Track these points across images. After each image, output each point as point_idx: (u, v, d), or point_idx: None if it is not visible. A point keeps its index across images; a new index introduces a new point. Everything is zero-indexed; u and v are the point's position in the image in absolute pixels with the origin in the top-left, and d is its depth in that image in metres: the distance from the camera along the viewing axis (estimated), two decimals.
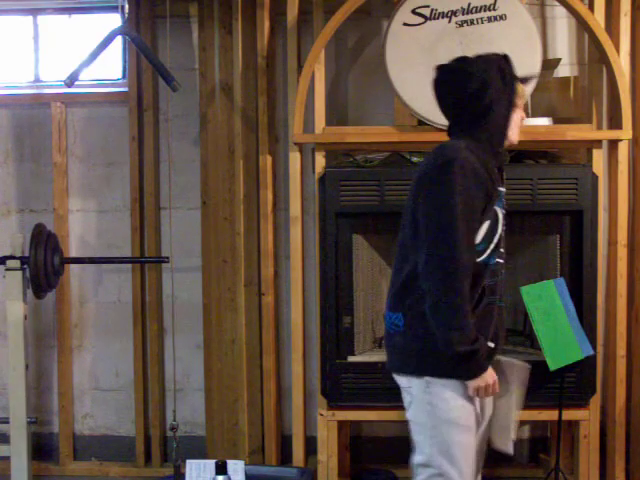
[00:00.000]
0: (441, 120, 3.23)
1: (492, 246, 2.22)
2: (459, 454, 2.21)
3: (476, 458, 2.30)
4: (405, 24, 3.25)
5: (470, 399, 2.21)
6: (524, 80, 2.36)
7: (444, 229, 2.10)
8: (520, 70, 3.23)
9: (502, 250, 2.29)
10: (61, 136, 3.93)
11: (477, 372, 2.15)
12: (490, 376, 2.17)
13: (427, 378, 2.21)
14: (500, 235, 2.25)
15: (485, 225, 2.19)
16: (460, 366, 2.13)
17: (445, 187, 2.12)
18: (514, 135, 2.33)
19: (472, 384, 2.15)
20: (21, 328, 3.45)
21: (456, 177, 2.11)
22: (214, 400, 3.83)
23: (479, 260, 2.17)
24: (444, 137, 3.27)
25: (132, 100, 3.87)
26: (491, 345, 2.21)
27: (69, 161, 3.97)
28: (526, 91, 2.45)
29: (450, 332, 2.09)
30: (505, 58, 2.34)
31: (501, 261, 2.29)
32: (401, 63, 3.26)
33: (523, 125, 2.37)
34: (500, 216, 2.25)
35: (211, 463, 3.09)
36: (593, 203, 3.26)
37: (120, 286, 4.00)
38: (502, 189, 2.29)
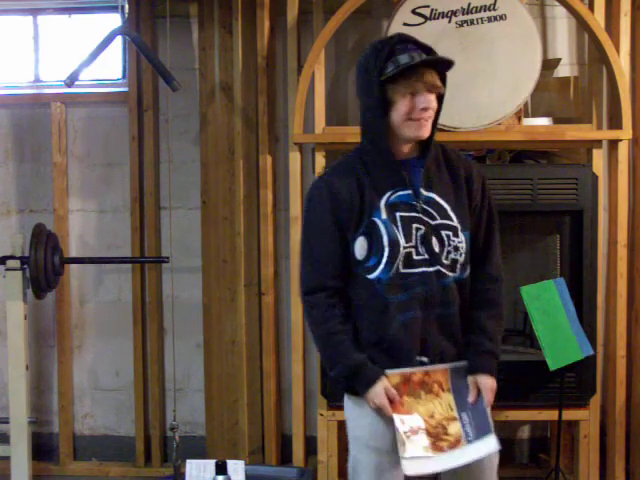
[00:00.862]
0: (441, 120, 3.25)
1: (384, 259, 2.03)
2: (361, 474, 2.13)
3: None
4: (405, 24, 3.25)
5: (381, 418, 2.06)
6: (417, 65, 2.00)
7: (300, 263, 2.16)
8: (516, 70, 3.24)
9: (415, 259, 2.04)
10: (61, 136, 3.93)
11: (362, 392, 2.06)
12: (375, 396, 2.03)
13: (345, 395, 2.19)
14: (398, 245, 2.02)
15: (360, 241, 2.05)
16: (348, 383, 2.11)
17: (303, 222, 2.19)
18: (408, 128, 2.03)
19: (368, 402, 2.07)
20: (21, 328, 3.45)
21: (305, 209, 2.15)
22: (214, 400, 3.83)
23: (371, 276, 2.05)
24: (444, 137, 3.29)
25: (132, 100, 3.87)
26: (423, 359, 2.07)
27: (69, 161, 3.97)
28: (424, 74, 2.00)
29: (323, 358, 2.18)
30: (388, 40, 2.04)
31: (415, 271, 2.04)
32: None
33: (422, 113, 2.01)
34: (382, 228, 2.03)
35: (211, 463, 3.09)
36: (593, 203, 3.26)
37: (120, 286, 4.01)
38: (401, 191, 2.06)
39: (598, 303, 3.34)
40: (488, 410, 2.05)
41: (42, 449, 3.99)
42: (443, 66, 2.08)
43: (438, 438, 1.99)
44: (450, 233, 2.06)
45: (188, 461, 3.03)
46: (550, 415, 3.28)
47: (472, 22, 3.24)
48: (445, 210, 2.08)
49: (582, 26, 3.45)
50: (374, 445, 2.10)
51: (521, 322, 3.51)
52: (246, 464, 3.10)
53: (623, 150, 3.43)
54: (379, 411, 2.05)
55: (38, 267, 3.37)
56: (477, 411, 2.04)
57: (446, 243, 2.06)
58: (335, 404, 3.36)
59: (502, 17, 3.23)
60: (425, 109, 2.01)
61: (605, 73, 3.43)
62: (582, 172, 3.27)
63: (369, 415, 2.08)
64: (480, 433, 2.01)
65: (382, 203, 2.05)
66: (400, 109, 2.02)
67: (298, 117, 3.35)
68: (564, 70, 3.70)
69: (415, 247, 2.05)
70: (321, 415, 3.39)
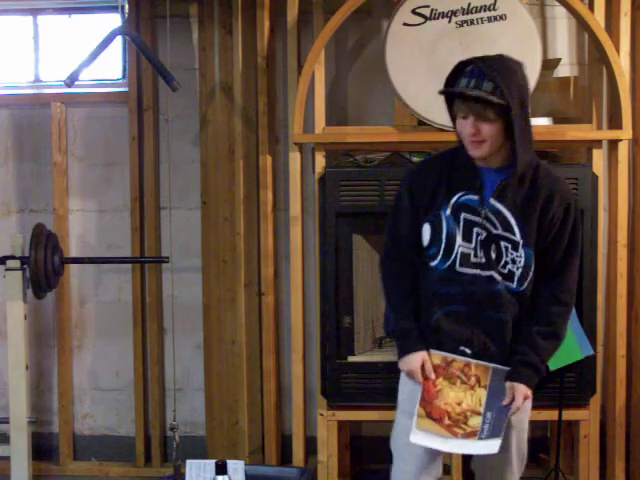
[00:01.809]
0: (441, 120, 3.25)
1: (441, 251, 2.22)
2: (396, 434, 2.36)
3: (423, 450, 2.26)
4: (405, 24, 3.25)
5: (411, 384, 2.27)
6: (450, 94, 2.19)
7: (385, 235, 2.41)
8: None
9: (473, 261, 2.21)
10: (61, 136, 3.93)
11: (399, 355, 2.28)
12: (409, 362, 2.24)
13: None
14: (455, 242, 2.20)
15: (426, 227, 2.25)
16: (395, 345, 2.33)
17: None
18: (465, 145, 2.20)
19: (400, 365, 2.29)
20: (21, 328, 3.45)
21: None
22: (214, 400, 3.83)
23: (431, 264, 2.25)
24: (444, 137, 3.30)
25: (132, 100, 3.87)
26: (467, 350, 2.22)
27: (69, 161, 3.97)
28: (462, 105, 2.15)
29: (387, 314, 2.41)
30: (457, 68, 2.22)
31: (469, 271, 2.21)
32: (401, 63, 3.26)
33: (470, 138, 2.16)
34: (444, 222, 2.21)
35: (211, 463, 3.09)
36: (593, 203, 3.26)
37: (120, 286, 4.01)
38: (470, 196, 2.21)
39: (598, 303, 3.33)
40: (508, 417, 2.15)
41: (42, 449, 3.99)
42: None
43: (456, 424, 2.12)
44: (509, 245, 2.20)
45: (188, 461, 3.03)
46: (550, 415, 3.28)
47: (472, 22, 3.24)
48: (509, 223, 2.20)
49: (582, 26, 3.45)
50: (409, 410, 2.24)
51: None
52: (246, 464, 3.11)
53: (623, 150, 3.43)
54: (411, 377, 2.23)
55: (38, 267, 3.37)
56: (500, 415, 2.13)
57: (504, 253, 2.19)
58: (335, 404, 3.36)
59: (502, 17, 3.23)
60: (470, 133, 2.14)
61: (605, 73, 3.42)
62: (582, 172, 3.27)
63: (409, 382, 2.28)
64: (491, 434, 2.11)
65: (452, 201, 2.21)
66: (460, 124, 2.19)
67: (298, 117, 3.35)
68: (564, 70, 3.70)
69: (474, 249, 2.20)
70: (321, 415, 3.39)
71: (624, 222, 3.44)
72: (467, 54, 3.20)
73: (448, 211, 2.20)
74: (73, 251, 3.98)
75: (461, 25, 3.24)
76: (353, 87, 3.85)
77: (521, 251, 2.18)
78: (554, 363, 3.00)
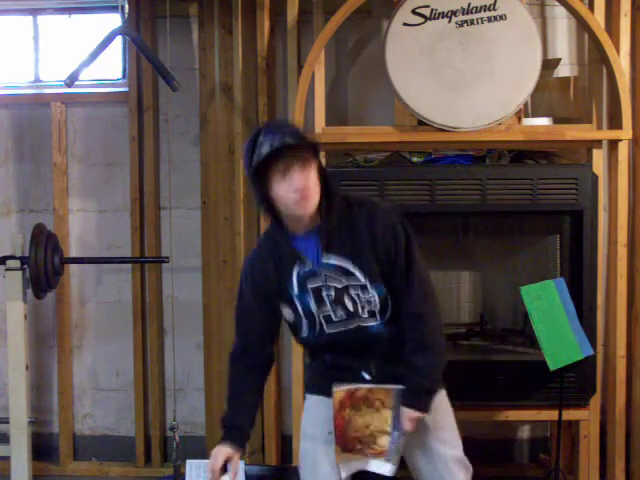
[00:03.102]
0: (441, 120, 3.25)
1: (305, 325, 2.26)
2: (301, 461, 2.37)
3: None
4: (405, 24, 3.25)
5: (311, 409, 2.36)
6: (269, 154, 2.06)
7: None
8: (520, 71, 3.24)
9: (335, 320, 2.23)
10: (61, 136, 3.93)
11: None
12: (214, 455, 2.28)
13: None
14: (312, 313, 2.23)
15: (286, 310, 2.28)
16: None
17: None
18: (288, 208, 2.14)
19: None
20: (21, 328, 3.45)
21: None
22: (214, 400, 3.83)
23: (303, 336, 2.30)
24: (444, 137, 3.30)
25: (132, 100, 3.87)
26: (366, 376, 2.25)
27: (69, 161, 3.97)
28: (279, 164, 2.08)
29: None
30: (261, 128, 2.14)
31: (337, 330, 2.23)
32: (401, 63, 3.26)
33: (298, 193, 2.08)
34: (296, 301, 2.23)
35: None
36: (593, 203, 3.26)
37: (120, 286, 4.00)
38: (304, 266, 2.21)
39: (598, 303, 3.33)
40: (402, 441, 2.22)
41: (42, 449, 3.99)
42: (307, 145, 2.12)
43: (367, 445, 2.23)
44: (359, 292, 2.20)
45: (188, 461, 3.03)
46: (550, 415, 3.28)
47: (472, 22, 3.24)
48: (347, 270, 2.19)
49: (582, 26, 3.44)
50: (311, 433, 2.32)
51: (521, 322, 3.51)
52: (246, 464, 3.11)
53: (623, 150, 3.43)
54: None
55: (38, 267, 3.38)
56: (399, 437, 2.22)
57: (357, 301, 2.21)
58: None
59: (502, 17, 3.23)
60: (297, 189, 2.09)
61: (605, 73, 3.42)
62: (582, 172, 3.26)
63: (307, 409, 2.38)
64: (391, 457, 2.22)
65: (293, 279, 2.22)
66: (282, 188, 2.10)
67: (298, 117, 3.35)
68: (564, 70, 3.70)
69: (333, 310, 2.22)
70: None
71: (624, 222, 3.44)
72: (467, 54, 3.23)
73: (296, 290, 2.22)
74: (73, 251, 3.98)
75: (461, 25, 3.24)
76: (353, 87, 3.84)
77: (371, 291, 2.20)
78: (554, 363, 3.00)
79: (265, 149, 2.06)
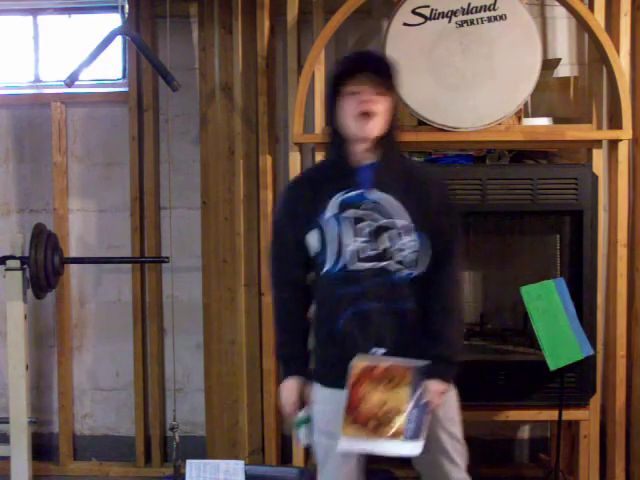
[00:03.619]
0: (441, 120, 3.25)
1: (331, 254, 2.20)
2: (320, 458, 2.32)
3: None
4: (405, 24, 3.25)
5: (325, 403, 2.26)
6: (349, 69, 2.17)
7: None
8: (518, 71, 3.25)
9: (366, 254, 2.18)
10: (61, 136, 3.93)
11: (282, 379, 2.33)
12: (282, 391, 2.29)
13: None
14: (343, 241, 2.18)
15: (312, 235, 2.23)
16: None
17: None
18: (351, 127, 2.18)
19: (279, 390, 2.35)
20: (21, 328, 3.45)
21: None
22: (214, 400, 3.83)
23: (323, 271, 2.22)
24: (444, 137, 3.30)
25: (132, 100, 3.87)
26: (380, 351, 2.19)
27: (69, 161, 3.97)
28: (359, 80, 2.15)
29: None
30: (350, 56, 2.30)
31: (364, 266, 2.18)
32: (401, 63, 3.22)
33: (362, 108, 2.15)
34: (329, 225, 2.19)
35: (211, 463, 3.10)
36: (593, 203, 3.26)
37: (120, 286, 4.01)
38: (351, 192, 2.20)
39: (598, 303, 3.33)
40: (428, 417, 2.14)
41: (42, 449, 3.99)
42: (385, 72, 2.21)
43: (382, 425, 2.13)
44: (401, 231, 2.18)
45: (188, 461, 3.04)
46: (550, 415, 3.28)
47: (472, 22, 3.24)
48: (396, 210, 2.19)
49: (582, 26, 3.44)
50: (327, 430, 2.23)
51: (521, 322, 3.51)
52: (246, 464, 3.12)
53: (623, 150, 3.43)
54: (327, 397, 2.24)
55: (38, 267, 3.38)
56: (421, 414, 2.14)
57: (396, 240, 2.18)
58: None
59: (502, 17, 3.23)
60: (365, 102, 2.14)
61: (605, 73, 3.42)
62: (582, 172, 3.26)
63: (319, 402, 2.27)
64: (414, 435, 2.13)
65: (332, 203, 2.20)
66: (348, 102, 2.16)
67: (298, 117, 3.35)
68: (564, 70, 3.70)
69: (365, 243, 2.18)
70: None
71: (624, 222, 3.44)
72: (467, 54, 3.23)
73: (331, 213, 2.20)
74: (73, 251, 3.98)
75: (461, 25, 3.24)
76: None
77: (413, 235, 2.19)
78: (554, 363, 3.00)
79: (345, 65, 2.18)
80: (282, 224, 2.34)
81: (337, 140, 2.23)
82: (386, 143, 2.22)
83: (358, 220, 2.18)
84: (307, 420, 2.30)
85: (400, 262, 2.18)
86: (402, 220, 2.18)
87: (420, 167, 2.30)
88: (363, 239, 2.18)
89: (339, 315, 2.20)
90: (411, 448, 2.13)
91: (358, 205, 2.19)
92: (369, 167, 2.22)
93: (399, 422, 2.13)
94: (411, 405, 2.13)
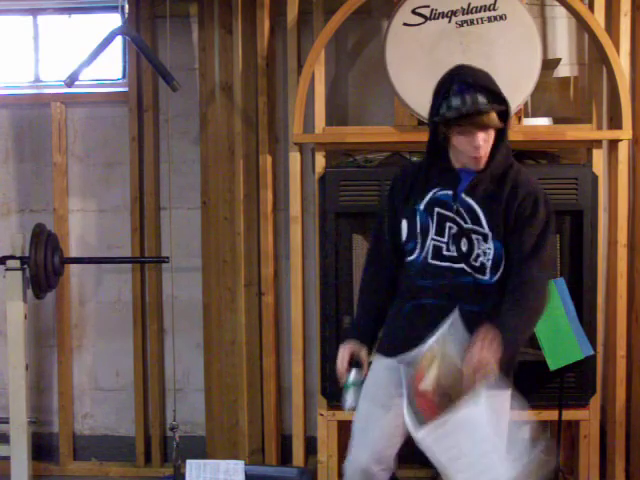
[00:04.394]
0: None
1: (416, 244, 2.30)
2: (356, 418, 2.41)
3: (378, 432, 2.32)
4: (405, 24, 3.25)
5: (376, 371, 2.39)
6: (457, 118, 2.19)
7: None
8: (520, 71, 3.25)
9: (445, 254, 2.28)
10: (61, 136, 3.93)
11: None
12: (340, 350, 2.39)
13: None
14: (427, 235, 2.28)
15: (404, 223, 2.34)
16: None
17: None
18: (460, 158, 2.27)
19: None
20: (21, 328, 3.45)
21: None
22: (214, 400, 3.83)
23: (408, 259, 2.34)
24: None
25: (132, 100, 3.87)
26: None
27: (69, 161, 3.97)
28: (463, 123, 2.19)
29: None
30: (447, 77, 2.26)
31: (441, 264, 2.28)
32: (401, 63, 3.26)
33: (475, 153, 2.22)
34: (418, 216, 2.30)
35: (211, 463, 3.10)
36: (593, 203, 3.26)
37: (120, 286, 4.00)
38: (445, 191, 2.29)
39: (598, 303, 3.34)
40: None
41: (42, 449, 3.99)
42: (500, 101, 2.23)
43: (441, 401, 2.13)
44: (480, 237, 2.26)
45: (188, 461, 3.04)
46: (550, 415, 3.28)
47: (472, 22, 3.24)
48: (478, 217, 2.26)
49: (582, 26, 3.45)
50: (372, 395, 2.34)
51: None
52: (246, 464, 3.12)
53: (623, 150, 3.43)
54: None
55: (38, 267, 3.37)
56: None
57: (475, 246, 2.25)
58: (335, 404, 3.36)
59: (502, 17, 3.23)
60: (476, 148, 2.21)
61: (605, 73, 3.42)
62: (582, 172, 3.27)
63: (374, 369, 2.40)
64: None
65: (427, 197, 2.30)
66: (454, 144, 2.24)
67: (298, 117, 3.35)
68: (564, 70, 3.70)
69: (446, 243, 2.28)
70: (321, 415, 3.39)
71: (624, 222, 3.44)
72: (467, 54, 3.23)
73: (422, 206, 2.30)
74: (73, 251, 3.98)
75: (461, 25, 3.24)
76: (353, 87, 3.84)
77: (490, 243, 2.25)
78: (554, 363, 3.00)
79: (455, 107, 2.16)
80: (384, 208, 2.46)
81: (442, 147, 2.30)
82: (493, 155, 2.27)
83: (445, 219, 2.28)
84: (356, 383, 2.36)
85: (476, 267, 2.26)
86: (481, 227, 2.26)
87: (516, 176, 2.31)
88: (445, 239, 2.28)
89: (408, 301, 2.32)
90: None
91: (448, 205, 2.28)
92: (470, 173, 2.28)
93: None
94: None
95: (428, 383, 2.11)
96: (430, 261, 2.28)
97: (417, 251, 2.31)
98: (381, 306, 2.42)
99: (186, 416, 3.96)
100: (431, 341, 2.14)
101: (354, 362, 2.37)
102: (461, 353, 2.11)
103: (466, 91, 2.17)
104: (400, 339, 2.30)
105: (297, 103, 3.35)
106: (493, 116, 2.20)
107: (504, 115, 2.24)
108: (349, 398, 2.37)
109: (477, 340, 2.10)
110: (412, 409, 2.16)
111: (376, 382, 2.36)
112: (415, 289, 2.31)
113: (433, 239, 2.28)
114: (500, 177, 2.29)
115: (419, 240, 2.30)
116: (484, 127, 2.19)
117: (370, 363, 2.42)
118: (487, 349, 2.08)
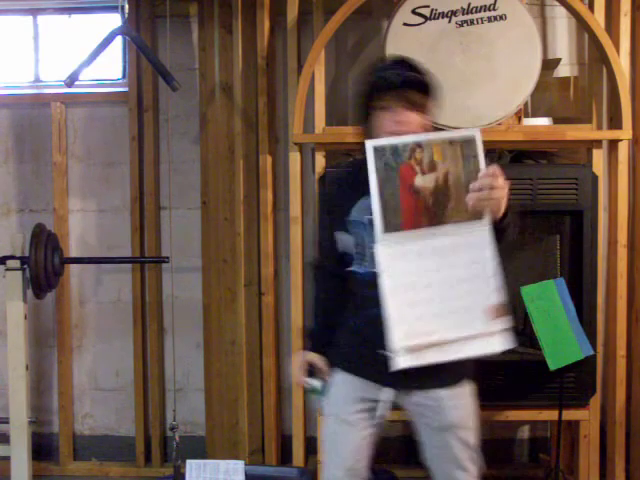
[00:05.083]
0: (441, 120, 3.25)
1: (357, 255, 2.24)
2: (323, 436, 2.39)
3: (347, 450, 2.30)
4: (405, 24, 3.25)
5: (336, 387, 2.34)
6: (380, 87, 2.13)
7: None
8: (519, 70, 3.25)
9: None
10: (61, 136, 3.93)
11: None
12: (294, 360, 2.46)
13: None
14: (364, 245, 2.19)
15: (339, 235, 2.29)
16: None
17: None
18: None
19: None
20: (21, 328, 3.45)
21: None
22: (214, 400, 3.83)
23: (352, 269, 2.26)
24: None
25: (132, 100, 3.87)
26: (387, 354, 2.13)
27: (69, 161, 3.97)
28: (387, 96, 2.09)
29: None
30: (387, 62, 2.26)
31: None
32: None
33: (393, 128, 2.10)
34: (351, 226, 2.23)
35: (211, 463, 3.10)
36: (593, 203, 3.26)
37: (120, 286, 4.01)
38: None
39: (598, 303, 3.33)
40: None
41: (42, 449, 3.99)
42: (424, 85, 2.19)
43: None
44: None
45: (188, 461, 3.03)
46: (550, 415, 3.28)
47: (472, 22, 3.24)
48: None
49: (582, 26, 3.44)
50: (333, 411, 2.32)
51: (521, 322, 3.51)
52: (246, 464, 3.11)
53: (623, 150, 3.43)
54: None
55: (38, 267, 3.37)
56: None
57: None
58: None
59: (502, 17, 3.23)
60: (398, 122, 2.10)
61: (605, 73, 3.42)
62: (582, 172, 3.27)
63: (334, 384, 2.34)
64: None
65: (357, 206, 2.21)
66: (381, 117, 2.14)
67: (298, 117, 3.35)
68: (564, 70, 3.70)
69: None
70: (321, 415, 3.39)
71: (624, 222, 3.44)
72: (467, 54, 3.23)
73: (355, 217, 2.21)
74: (73, 251, 3.99)
75: (461, 25, 3.24)
76: (353, 87, 3.84)
77: None
78: (554, 363, 3.00)
79: (378, 78, 2.14)
80: (321, 217, 2.45)
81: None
82: None
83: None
84: (317, 391, 2.39)
85: None
86: None
87: None
88: None
89: (357, 313, 2.27)
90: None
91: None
92: None
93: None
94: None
95: (428, 179, 1.83)
96: (372, 270, 2.13)
97: (357, 261, 2.24)
98: (332, 311, 2.39)
99: (186, 416, 3.97)
100: (438, 137, 1.89)
101: (313, 371, 2.40)
102: (468, 172, 1.87)
103: (394, 69, 2.16)
104: (355, 356, 2.27)
105: (297, 103, 3.35)
106: (417, 95, 2.12)
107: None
108: (315, 401, 2.45)
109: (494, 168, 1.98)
110: (386, 211, 1.90)
111: (337, 399, 2.33)
112: (361, 299, 2.24)
113: (369, 248, 2.15)
114: None
115: (357, 251, 2.23)
116: (407, 102, 2.10)
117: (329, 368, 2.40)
118: (503, 180, 2.02)
